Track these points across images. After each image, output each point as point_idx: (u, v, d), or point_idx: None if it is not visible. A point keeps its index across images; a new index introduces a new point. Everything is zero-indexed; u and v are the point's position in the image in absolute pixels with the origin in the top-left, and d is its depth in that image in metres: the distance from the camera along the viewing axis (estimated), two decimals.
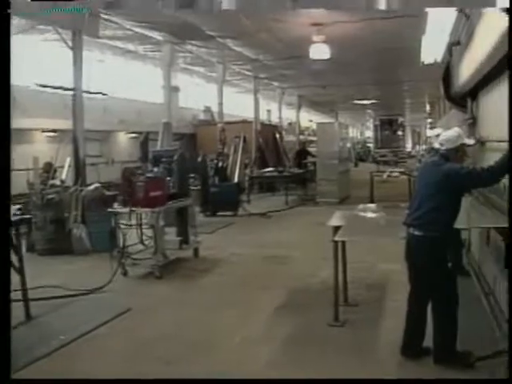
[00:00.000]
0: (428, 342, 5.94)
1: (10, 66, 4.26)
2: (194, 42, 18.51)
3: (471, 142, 6.85)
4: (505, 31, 4.90)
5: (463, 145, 5.98)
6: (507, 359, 3.89)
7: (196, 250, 11.29)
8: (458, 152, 5.89)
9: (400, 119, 53.93)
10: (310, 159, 25.15)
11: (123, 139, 22.71)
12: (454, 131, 6.05)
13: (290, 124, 39.97)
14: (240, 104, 32.89)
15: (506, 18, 4.39)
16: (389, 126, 52.82)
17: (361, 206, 9.62)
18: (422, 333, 6.00)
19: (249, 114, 29.06)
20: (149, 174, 10.51)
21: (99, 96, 19.42)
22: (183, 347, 6.52)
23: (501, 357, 5.67)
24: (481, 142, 8.65)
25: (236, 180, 20.60)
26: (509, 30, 3.47)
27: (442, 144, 5.98)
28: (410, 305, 6.12)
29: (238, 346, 6.61)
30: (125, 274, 9.77)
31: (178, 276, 9.96)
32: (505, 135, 6.55)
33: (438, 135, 6.93)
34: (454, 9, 8.19)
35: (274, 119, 35.84)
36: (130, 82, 23.08)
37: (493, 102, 7.89)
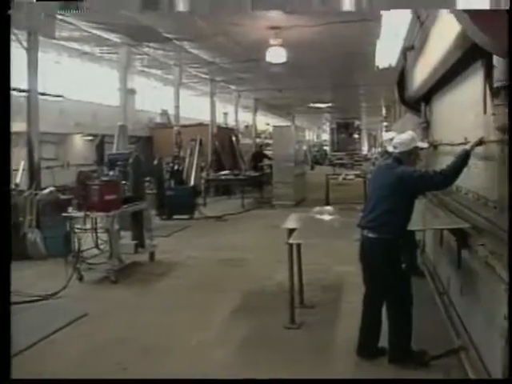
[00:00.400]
0: (383, 341, 6.02)
1: (10, 67, 4.23)
2: (150, 44, 18.40)
3: (424, 145, 6.95)
4: (457, 36, 4.99)
5: (416, 148, 6.08)
6: (508, 360, 3.94)
7: (152, 254, 11.23)
8: (411, 155, 5.99)
9: (356, 122, 54.58)
10: (266, 162, 25.25)
11: (79, 142, 22.44)
12: (408, 134, 6.15)
13: (246, 127, 39.98)
14: (196, 107, 32.80)
15: (456, 22, 4.47)
16: (345, 130, 53.41)
17: (316, 209, 9.69)
18: (377, 333, 6.08)
19: (205, 117, 29.00)
20: (104, 178, 10.42)
21: (55, 98, 19.14)
22: (139, 352, 6.48)
23: (455, 355, 5.82)
24: (434, 146, 8.78)
25: (192, 183, 20.52)
26: (509, 29, 3.51)
27: (395, 147, 6.06)
28: (364, 306, 6.20)
29: (194, 349, 6.60)
30: (80, 278, 9.65)
31: (134, 280, 9.88)
32: (456, 139, 6.70)
33: (391, 139, 7.01)
34: (410, 13, 8.31)
35: (231, 122, 35.85)
36: (86, 84, 22.82)
37: (446, 106, 8.02)
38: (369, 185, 6.73)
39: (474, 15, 3.87)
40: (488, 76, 4.96)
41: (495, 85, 4.49)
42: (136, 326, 7.46)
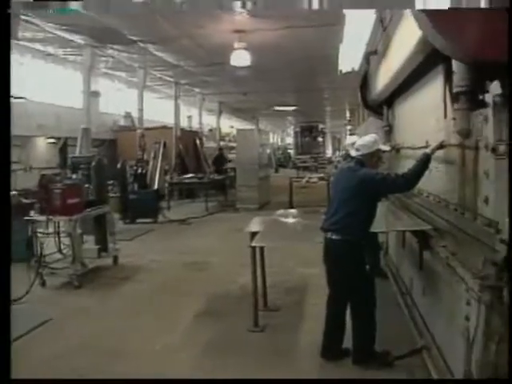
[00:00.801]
0: (347, 343, 6.06)
1: (10, 66, 4.20)
2: (115, 46, 18.26)
3: (387, 148, 7.01)
4: (418, 41, 5.05)
5: (379, 150, 6.13)
6: (507, 360, 3.99)
7: (115, 258, 11.14)
8: (373, 157, 6.04)
9: (320, 126, 54.61)
10: (229, 165, 25.30)
11: (42, 145, 22.13)
12: (371, 137, 6.19)
13: (210, 130, 39.92)
14: (161, 110, 32.64)
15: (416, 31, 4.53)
16: (309, 133, 53.41)
17: (279, 212, 9.72)
18: (341, 335, 6.12)
19: (170, 120, 28.86)
20: (67, 181, 10.32)
21: (17, 100, 18.83)
22: (104, 356, 6.46)
23: (418, 355, 5.89)
24: (396, 149, 8.87)
25: (156, 186, 20.42)
26: (509, 29, 3.56)
27: (358, 149, 6.10)
28: (328, 307, 6.23)
29: (159, 353, 6.57)
30: (43, 284, 9.53)
31: (97, 285, 9.79)
32: (418, 142, 6.78)
33: (353, 143, 7.07)
34: (372, 18, 8.37)
35: (195, 125, 35.75)
36: (49, 86, 22.53)
37: (407, 110, 8.10)
38: (331, 187, 6.77)
39: (434, 19, 3.93)
40: (448, 81, 5.03)
41: (454, 90, 4.56)
42: (100, 330, 7.40)
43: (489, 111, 4.19)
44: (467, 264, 4.56)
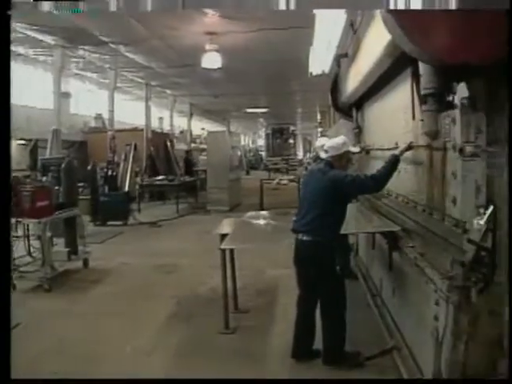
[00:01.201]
0: (318, 344, 6.09)
1: (9, 67, 4.17)
2: (86, 47, 18.10)
3: (356, 149, 7.05)
4: (387, 44, 5.08)
5: (348, 152, 6.16)
6: (508, 361, 4.01)
7: (86, 261, 11.05)
8: (342, 159, 6.06)
9: (291, 128, 54.81)
10: (200, 167, 25.32)
11: (12, 146, 21.91)
12: (340, 138, 6.22)
13: (181, 132, 39.80)
14: (132, 111, 32.48)
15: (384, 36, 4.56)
16: (280, 135, 53.58)
17: (249, 214, 9.71)
18: (312, 336, 6.14)
19: (141, 122, 28.70)
20: (36, 183, 10.22)
21: None
22: (74, 360, 6.40)
23: (388, 355, 5.94)
24: (366, 151, 8.92)
25: (126, 189, 20.29)
26: (509, 29, 3.57)
27: (327, 151, 6.12)
28: (299, 308, 6.25)
29: (129, 356, 6.54)
30: (13, 287, 9.42)
31: (68, 288, 9.68)
32: (388, 144, 6.84)
33: (322, 146, 7.09)
34: (343, 21, 8.41)
35: (166, 127, 35.61)
36: (19, 87, 22.29)
37: (377, 112, 8.16)
38: (301, 189, 6.80)
39: (401, 22, 3.95)
40: (416, 83, 5.07)
41: (422, 92, 4.59)
42: (70, 334, 7.33)
43: (456, 113, 4.24)
44: (435, 264, 4.61)
